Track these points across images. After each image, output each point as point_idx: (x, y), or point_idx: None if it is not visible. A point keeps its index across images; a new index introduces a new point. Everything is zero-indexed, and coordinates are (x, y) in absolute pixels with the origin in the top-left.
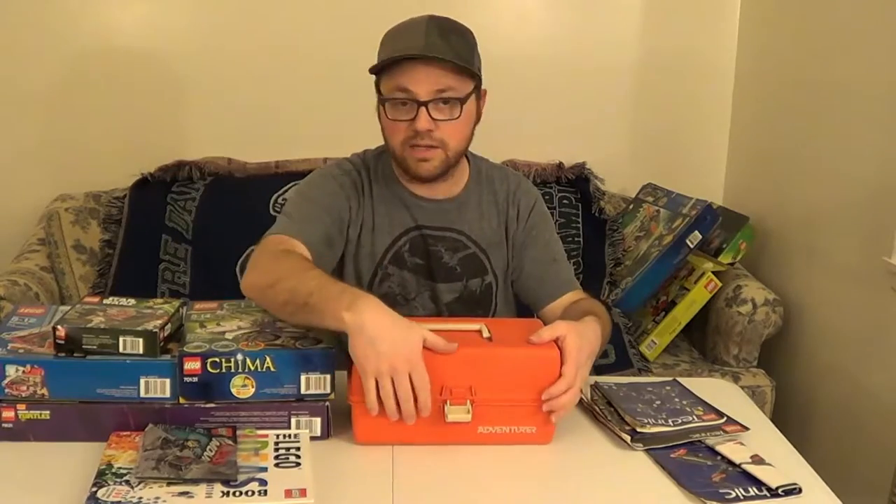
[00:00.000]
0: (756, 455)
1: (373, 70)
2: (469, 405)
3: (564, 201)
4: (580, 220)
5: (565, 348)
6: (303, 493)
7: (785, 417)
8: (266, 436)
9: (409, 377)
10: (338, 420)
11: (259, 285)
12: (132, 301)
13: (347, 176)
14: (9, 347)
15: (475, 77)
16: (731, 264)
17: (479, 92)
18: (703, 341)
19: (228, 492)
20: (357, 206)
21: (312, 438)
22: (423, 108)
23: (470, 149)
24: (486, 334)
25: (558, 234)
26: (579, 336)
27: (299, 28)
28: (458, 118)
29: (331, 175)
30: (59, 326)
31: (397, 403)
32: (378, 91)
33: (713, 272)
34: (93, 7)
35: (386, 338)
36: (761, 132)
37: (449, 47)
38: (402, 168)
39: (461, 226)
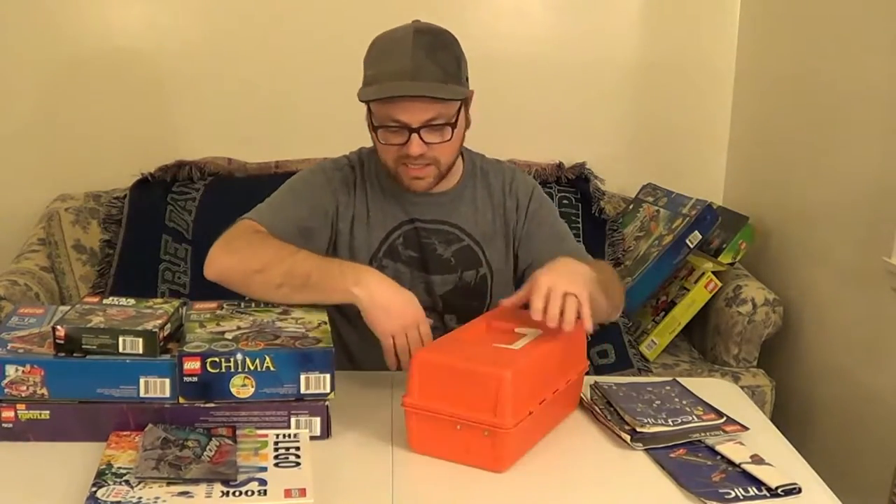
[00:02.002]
0: (756, 455)
1: (361, 100)
2: None
3: (564, 201)
4: (580, 220)
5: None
6: (302, 492)
7: (785, 417)
8: (266, 435)
9: (418, 330)
10: (337, 420)
11: (243, 270)
12: (132, 301)
13: (339, 171)
14: (9, 347)
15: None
16: (731, 264)
17: (467, 102)
18: (703, 341)
19: (228, 492)
20: (347, 200)
21: (312, 438)
22: (414, 135)
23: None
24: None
25: None
26: (545, 273)
27: (299, 28)
28: (449, 140)
29: (321, 169)
30: (58, 326)
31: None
32: (367, 106)
33: (713, 272)
34: (93, 7)
35: (394, 301)
36: (761, 132)
37: (437, 66)
38: (395, 181)
39: (455, 219)
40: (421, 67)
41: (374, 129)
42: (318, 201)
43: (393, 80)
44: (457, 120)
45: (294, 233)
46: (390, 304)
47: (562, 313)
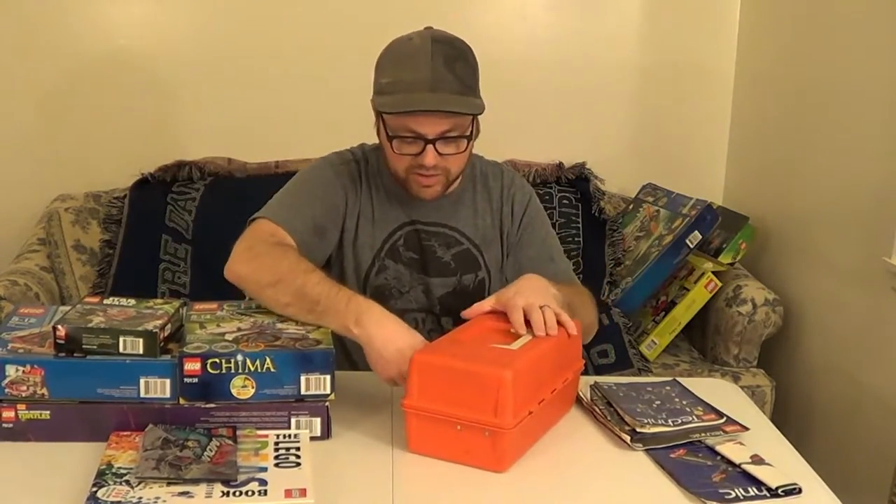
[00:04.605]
0: (756, 455)
1: (380, 111)
2: None
3: (564, 201)
4: (580, 220)
5: (504, 304)
6: (303, 492)
7: (785, 417)
8: (266, 436)
9: None
10: (337, 420)
11: (257, 281)
12: (132, 301)
13: (346, 166)
14: (9, 347)
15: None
16: (731, 264)
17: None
18: (703, 341)
19: (228, 492)
20: (354, 196)
21: (312, 438)
22: (429, 146)
23: None
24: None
25: (558, 234)
26: (507, 289)
27: (299, 28)
28: (463, 151)
29: (329, 164)
30: (59, 326)
31: None
32: (378, 112)
33: (713, 272)
34: (93, 7)
35: (391, 347)
36: (761, 132)
37: (455, 78)
38: (402, 187)
39: (455, 222)
40: (440, 79)
41: (388, 138)
42: (329, 198)
43: (411, 91)
44: (471, 132)
45: (311, 232)
46: (388, 348)
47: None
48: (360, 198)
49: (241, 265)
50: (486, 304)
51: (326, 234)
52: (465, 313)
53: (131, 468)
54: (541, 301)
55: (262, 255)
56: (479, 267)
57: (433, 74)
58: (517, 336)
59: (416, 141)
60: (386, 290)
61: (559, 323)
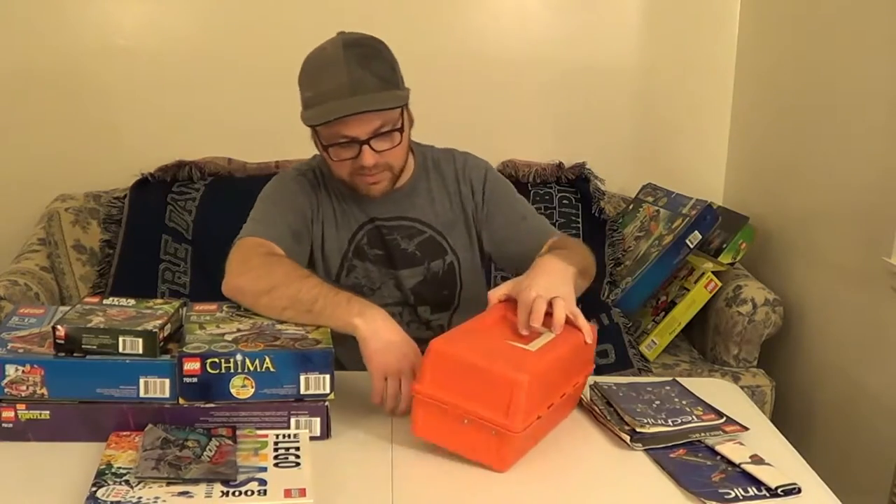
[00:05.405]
0: (755, 455)
1: (307, 124)
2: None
3: (564, 201)
4: (580, 220)
5: (517, 295)
6: (302, 492)
7: (785, 417)
8: (266, 436)
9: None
10: (337, 420)
11: (252, 290)
12: (132, 301)
13: (304, 176)
14: (9, 347)
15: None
16: (731, 264)
17: (406, 104)
18: (703, 341)
19: (228, 492)
20: (317, 203)
21: (312, 438)
22: (365, 147)
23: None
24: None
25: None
26: (524, 278)
27: (299, 28)
28: (399, 144)
29: (289, 177)
30: (58, 326)
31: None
32: (311, 127)
33: (713, 272)
34: (93, 7)
35: (393, 346)
36: (761, 132)
37: (373, 76)
38: (352, 190)
39: (413, 213)
40: (357, 80)
41: (323, 148)
42: (298, 206)
43: (333, 98)
44: (402, 123)
45: (290, 239)
46: (390, 346)
47: (551, 314)
48: (322, 204)
49: (238, 277)
50: (501, 291)
51: (302, 240)
52: (491, 296)
53: (131, 468)
54: (554, 293)
55: (257, 265)
56: (446, 252)
57: (350, 78)
58: (536, 334)
59: (351, 144)
60: (358, 290)
61: (576, 326)
